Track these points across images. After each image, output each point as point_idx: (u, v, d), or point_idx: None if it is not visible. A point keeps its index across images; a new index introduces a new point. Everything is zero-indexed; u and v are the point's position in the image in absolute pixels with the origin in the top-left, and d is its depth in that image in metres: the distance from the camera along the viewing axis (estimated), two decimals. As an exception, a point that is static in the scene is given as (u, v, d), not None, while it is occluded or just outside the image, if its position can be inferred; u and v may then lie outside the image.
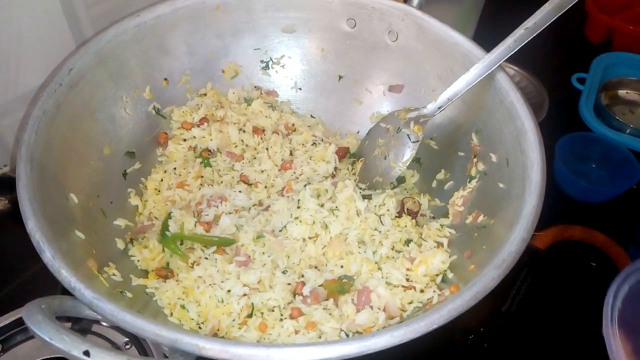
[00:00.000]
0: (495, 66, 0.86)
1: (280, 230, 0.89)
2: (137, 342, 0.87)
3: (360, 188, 0.97)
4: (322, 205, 0.90)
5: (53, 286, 0.88)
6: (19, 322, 0.87)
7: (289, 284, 0.82)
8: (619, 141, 1.24)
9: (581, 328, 0.97)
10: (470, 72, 0.88)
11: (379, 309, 0.78)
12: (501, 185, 0.84)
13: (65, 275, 0.64)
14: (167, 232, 0.86)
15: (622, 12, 1.52)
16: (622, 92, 1.43)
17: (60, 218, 0.75)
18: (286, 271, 0.85)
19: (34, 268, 0.98)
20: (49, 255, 0.65)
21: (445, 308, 0.62)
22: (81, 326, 0.86)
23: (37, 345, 0.86)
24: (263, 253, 0.85)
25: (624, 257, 1.06)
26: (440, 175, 0.99)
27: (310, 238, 0.88)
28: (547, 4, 0.84)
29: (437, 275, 0.83)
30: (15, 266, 0.99)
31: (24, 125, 0.78)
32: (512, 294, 0.97)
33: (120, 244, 0.86)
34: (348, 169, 1.03)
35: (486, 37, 1.04)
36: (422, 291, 0.81)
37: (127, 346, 0.86)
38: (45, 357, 0.84)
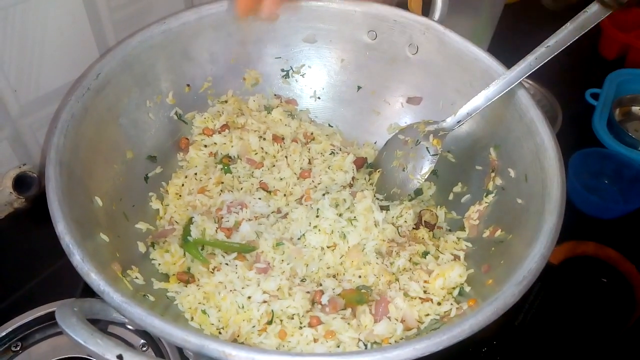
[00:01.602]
0: (516, 83, 0.88)
1: (299, 239, 0.90)
2: (154, 344, 0.88)
3: (378, 199, 0.98)
4: (340, 215, 0.91)
5: (71, 286, 0.90)
6: (38, 320, 0.88)
7: (308, 292, 0.83)
8: (632, 158, 1.25)
9: (592, 342, 0.97)
10: (490, 88, 0.89)
11: (397, 320, 0.79)
12: (519, 201, 0.85)
13: (94, 278, 0.65)
14: (189, 237, 0.87)
15: (637, 29, 1.54)
16: (635, 109, 1.44)
17: (86, 221, 0.76)
18: (305, 279, 0.86)
19: (51, 267, 0.99)
20: (78, 258, 0.66)
21: (467, 322, 0.64)
22: (97, 327, 0.86)
23: (54, 345, 0.87)
24: (282, 261, 0.86)
25: (635, 273, 1.07)
26: (457, 188, 1.00)
27: (328, 247, 0.89)
28: (569, 23, 0.85)
29: (454, 288, 0.84)
30: (33, 265, 1.00)
31: (53, 128, 0.79)
32: (525, 308, 0.98)
33: (141, 248, 0.88)
34: (365, 179, 1.04)
35: (501, 49, 1.05)
36: (439, 304, 0.82)
37: (144, 348, 0.87)
38: (62, 357, 0.85)
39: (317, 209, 0.92)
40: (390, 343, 0.77)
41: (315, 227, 0.89)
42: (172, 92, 1.01)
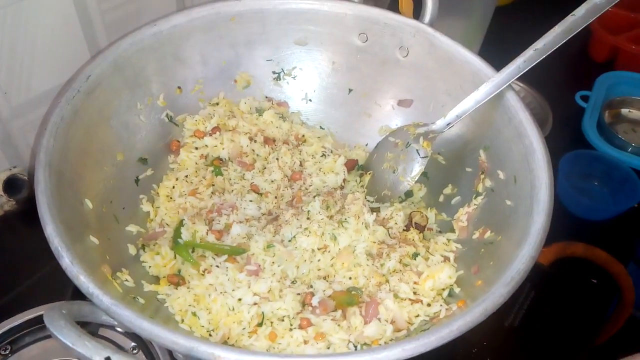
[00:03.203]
0: (505, 85, 0.88)
1: (289, 241, 0.90)
2: (145, 346, 0.88)
3: (369, 201, 0.98)
4: (331, 217, 0.92)
5: (61, 288, 0.90)
6: (28, 323, 0.87)
7: (299, 294, 0.83)
8: (621, 159, 1.26)
9: (582, 344, 0.98)
10: (479, 91, 0.89)
11: (387, 321, 0.79)
12: (508, 203, 0.85)
13: (83, 280, 0.65)
14: (179, 240, 0.87)
15: (627, 32, 1.55)
16: (625, 111, 1.45)
17: (75, 223, 0.76)
18: (295, 281, 0.86)
19: (42, 270, 0.98)
20: (67, 261, 0.66)
21: (456, 323, 0.64)
22: (88, 330, 0.86)
23: (44, 348, 0.87)
24: (273, 263, 0.86)
25: (624, 274, 1.08)
26: (447, 190, 1.00)
27: (319, 249, 0.89)
28: (557, 26, 0.85)
29: (444, 289, 0.84)
30: (23, 268, 1.00)
31: (42, 130, 0.79)
32: (515, 309, 0.98)
33: (132, 250, 0.88)
34: (356, 181, 1.04)
35: (492, 52, 1.06)
36: (429, 305, 0.82)
37: (135, 351, 0.87)
38: (53, 360, 0.85)
39: (308, 211, 0.92)
40: (380, 344, 0.78)
41: (305, 229, 0.89)
42: (163, 95, 1.01)
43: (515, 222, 0.81)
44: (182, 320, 0.80)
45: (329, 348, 0.77)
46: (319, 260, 0.88)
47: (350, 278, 0.87)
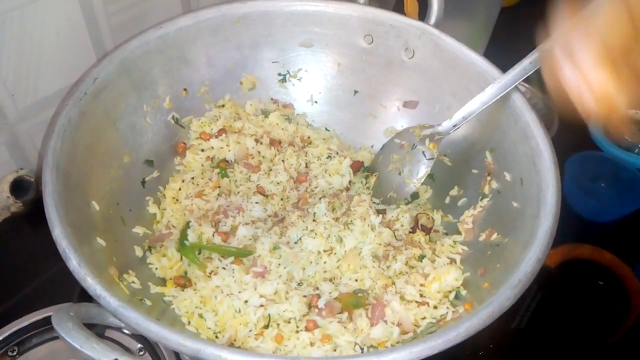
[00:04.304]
0: (511, 87, 0.88)
1: (295, 243, 0.90)
2: (151, 348, 0.88)
3: (374, 202, 0.98)
4: (337, 219, 0.92)
5: (68, 290, 0.90)
6: (35, 325, 0.88)
7: (305, 296, 0.83)
8: (629, 161, 1.25)
9: (589, 346, 0.98)
10: (485, 92, 0.89)
11: (393, 323, 0.79)
12: (515, 204, 0.85)
13: (90, 282, 0.65)
14: (186, 242, 0.87)
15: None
16: (631, 112, 1.44)
17: (83, 225, 0.77)
18: (302, 283, 0.86)
19: (48, 271, 0.99)
20: (75, 263, 0.66)
21: (463, 326, 0.64)
22: (94, 331, 0.87)
23: (51, 349, 0.87)
24: (279, 265, 0.86)
25: (631, 276, 1.07)
26: (454, 192, 1.00)
27: (325, 251, 0.89)
28: (563, 27, 0.85)
29: (450, 291, 0.84)
30: (30, 270, 1.00)
31: (50, 132, 0.80)
32: (521, 311, 0.98)
33: (138, 252, 0.88)
34: (362, 182, 1.04)
35: (498, 53, 1.06)
36: (435, 307, 0.82)
37: (141, 352, 0.88)
38: (60, 361, 0.86)
39: (314, 213, 0.92)
40: (386, 347, 0.77)
41: (311, 231, 0.89)
42: (169, 97, 1.01)
43: (522, 224, 0.81)
44: (189, 322, 0.80)
45: (335, 350, 0.77)
46: (325, 262, 0.88)
47: (356, 280, 0.87)
